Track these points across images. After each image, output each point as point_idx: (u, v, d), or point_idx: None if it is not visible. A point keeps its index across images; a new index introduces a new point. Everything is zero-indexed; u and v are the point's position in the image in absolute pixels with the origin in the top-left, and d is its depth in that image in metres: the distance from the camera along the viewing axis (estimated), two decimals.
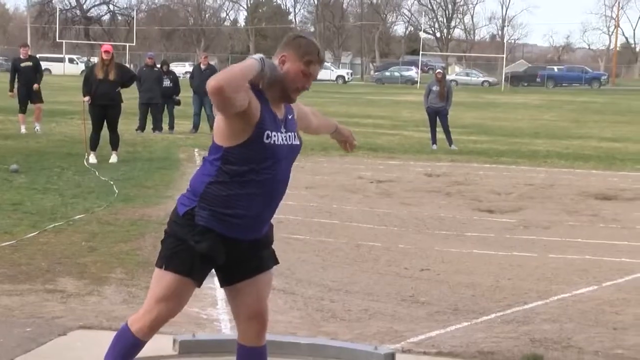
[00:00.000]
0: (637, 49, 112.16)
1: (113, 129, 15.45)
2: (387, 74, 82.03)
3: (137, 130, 21.55)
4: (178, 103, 22.52)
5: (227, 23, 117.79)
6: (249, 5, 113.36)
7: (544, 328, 6.32)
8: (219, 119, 4.11)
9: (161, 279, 4.19)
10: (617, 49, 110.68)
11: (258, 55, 4.04)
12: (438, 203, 12.35)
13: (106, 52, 15.25)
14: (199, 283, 4.24)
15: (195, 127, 22.33)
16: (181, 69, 67.53)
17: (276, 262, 4.38)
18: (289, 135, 4.13)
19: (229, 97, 3.83)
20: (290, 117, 4.20)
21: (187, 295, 4.29)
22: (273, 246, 4.37)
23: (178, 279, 4.15)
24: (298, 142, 4.21)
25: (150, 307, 4.24)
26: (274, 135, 4.02)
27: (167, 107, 22.42)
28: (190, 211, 4.08)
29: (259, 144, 3.98)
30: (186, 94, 23.23)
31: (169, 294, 4.19)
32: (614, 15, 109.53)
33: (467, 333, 6.17)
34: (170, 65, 25.25)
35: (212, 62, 26.75)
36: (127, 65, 56.22)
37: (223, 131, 4.09)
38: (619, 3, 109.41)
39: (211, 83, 3.82)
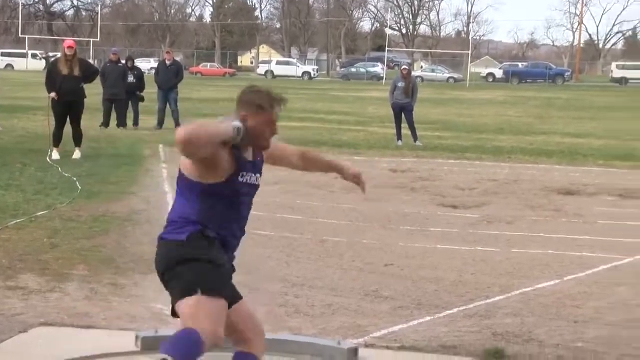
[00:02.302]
0: (601, 46, 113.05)
1: (77, 125, 15.35)
2: (353, 70, 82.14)
3: (101, 126, 21.42)
4: (142, 99, 22.41)
5: (192, 19, 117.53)
6: (214, 1, 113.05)
7: (506, 322, 6.37)
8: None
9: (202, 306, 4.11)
10: (581, 45, 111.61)
11: (237, 124, 4.21)
12: (403, 199, 12.39)
13: (69, 47, 15.14)
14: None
15: (160, 123, 22.23)
16: (146, 65, 67.08)
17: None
18: (256, 177, 4.45)
19: (192, 152, 4.09)
20: (258, 159, 4.49)
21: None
22: None
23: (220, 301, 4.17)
24: (258, 183, 4.49)
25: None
26: (244, 176, 4.34)
27: (131, 103, 22.30)
28: (195, 232, 4.24)
29: (231, 184, 4.29)
30: (151, 90, 23.13)
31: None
32: (578, 12, 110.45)
33: (430, 327, 6.20)
34: (136, 61, 25.11)
35: (177, 58, 26.65)
36: (92, 61, 55.92)
37: (192, 169, 4.29)
38: (582, 0, 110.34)
39: (179, 134, 4.00)
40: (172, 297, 4.29)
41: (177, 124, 21.78)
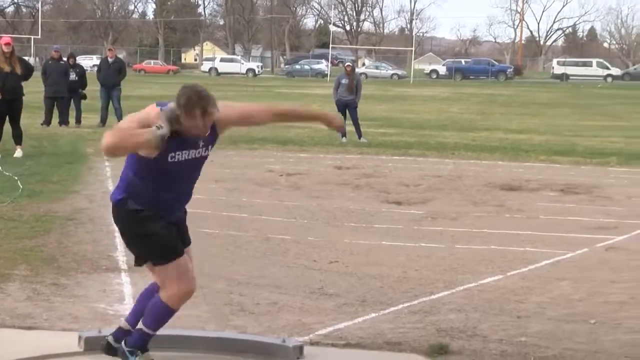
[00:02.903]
0: (542, 42, 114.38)
1: (16, 123, 15.15)
2: (297, 67, 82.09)
3: (42, 124, 21.17)
4: (84, 97, 22.18)
5: (135, 16, 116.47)
6: None
7: (450, 318, 6.41)
8: None
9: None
10: (522, 42, 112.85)
11: (163, 130, 4.55)
12: (347, 195, 12.42)
13: (6, 44, 14.92)
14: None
15: (103, 120, 22.03)
16: (88, 62, 66.44)
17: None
18: (198, 151, 4.84)
19: (114, 156, 4.74)
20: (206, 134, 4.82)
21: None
22: None
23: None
24: (200, 156, 4.88)
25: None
26: (174, 157, 4.75)
27: (73, 101, 22.06)
28: (124, 200, 4.90)
29: (160, 163, 4.72)
30: (93, 88, 22.90)
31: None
32: (519, 9, 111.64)
33: (375, 324, 6.22)
34: (77, 58, 24.84)
35: (120, 55, 26.43)
36: (33, 59, 55.21)
37: None
38: None
39: (103, 141, 4.49)
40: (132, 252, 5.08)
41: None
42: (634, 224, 10.50)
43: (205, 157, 4.93)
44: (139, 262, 5.04)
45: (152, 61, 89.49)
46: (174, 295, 4.91)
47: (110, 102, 22.03)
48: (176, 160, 4.76)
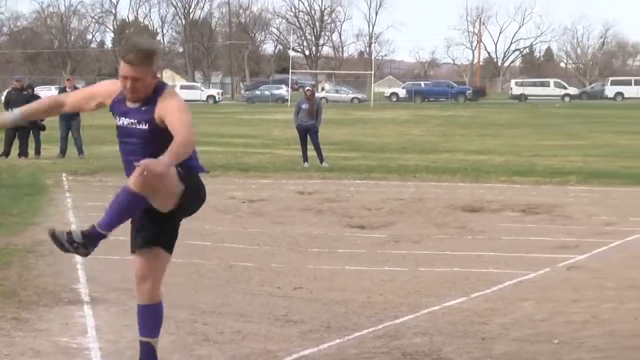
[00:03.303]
0: (500, 63, 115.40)
1: None
2: (258, 92, 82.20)
3: (1, 155, 20.97)
4: (43, 128, 22.01)
5: (93, 45, 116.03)
6: (115, 26, 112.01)
7: (415, 341, 6.41)
8: None
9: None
10: (481, 63, 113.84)
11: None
12: (310, 220, 12.41)
13: None
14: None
15: (63, 151, 21.88)
16: (47, 92, 65.94)
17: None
18: (135, 122, 5.12)
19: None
20: (143, 108, 5.12)
21: None
22: None
23: None
24: (137, 128, 5.12)
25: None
26: (120, 120, 5.20)
27: (32, 132, 21.89)
28: None
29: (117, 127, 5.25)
30: (52, 118, 22.72)
31: None
32: (476, 31, 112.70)
33: (340, 350, 6.21)
34: (36, 89, 24.67)
35: (79, 85, 26.27)
36: None
37: None
38: (480, 19, 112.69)
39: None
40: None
41: (80, 152, 21.49)
42: (595, 243, 10.59)
43: (143, 132, 5.10)
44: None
45: None
46: None
47: (70, 133, 21.89)
48: (119, 124, 5.20)
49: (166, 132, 4.96)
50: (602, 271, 9.02)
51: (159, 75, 5.28)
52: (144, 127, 5.10)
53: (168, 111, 5.03)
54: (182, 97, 5.34)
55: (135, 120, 5.13)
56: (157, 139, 5.03)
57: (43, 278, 8.28)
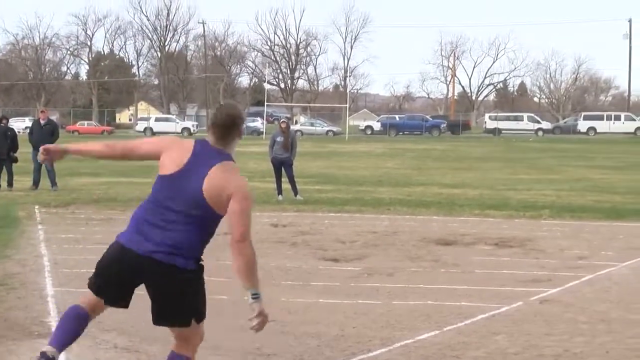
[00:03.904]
0: (474, 97, 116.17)
1: None
2: None
3: None
4: (15, 160, 21.90)
5: (68, 77, 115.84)
6: (90, 58, 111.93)
7: None
8: None
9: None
10: (455, 97, 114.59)
11: None
12: (284, 253, 12.40)
13: None
14: None
15: (36, 183, 21.76)
16: (21, 124, 65.86)
17: None
18: None
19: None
20: None
21: None
22: None
23: None
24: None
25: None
26: None
27: (5, 164, 21.77)
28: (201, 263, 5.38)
29: None
30: (26, 150, 22.64)
31: None
32: (451, 65, 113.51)
33: None
34: (10, 120, 24.57)
35: (52, 117, 26.22)
36: None
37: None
38: (454, 53, 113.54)
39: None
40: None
41: (53, 184, 21.38)
42: (567, 276, 10.64)
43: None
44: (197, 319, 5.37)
45: (85, 122, 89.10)
46: (196, 346, 5.48)
47: (43, 165, 21.78)
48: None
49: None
50: (575, 305, 9.06)
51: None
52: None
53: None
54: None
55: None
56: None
57: (13, 311, 8.21)
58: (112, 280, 5.22)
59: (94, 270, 5.31)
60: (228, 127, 5.21)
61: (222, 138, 5.23)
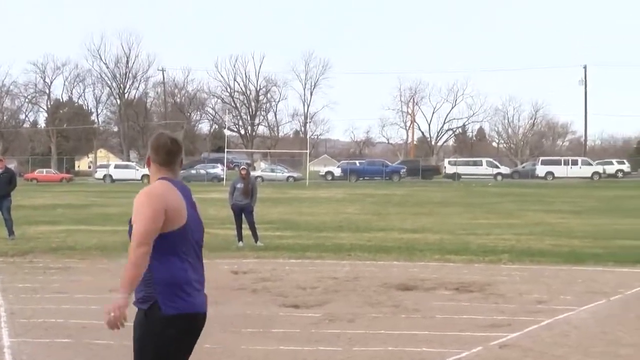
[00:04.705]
0: (433, 143, 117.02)
1: None
2: (193, 171, 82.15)
3: None
4: None
5: (26, 125, 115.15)
6: (49, 106, 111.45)
7: None
8: None
9: None
10: (415, 142, 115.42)
11: None
12: (244, 300, 12.35)
13: None
14: None
15: None
16: None
17: None
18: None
19: None
20: None
21: None
22: None
23: None
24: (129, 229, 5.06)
25: None
26: None
27: None
28: None
29: None
30: None
31: None
32: (410, 111, 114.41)
33: None
34: None
35: (10, 166, 26.02)
36: None
37: None
38: (413, 99, 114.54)
39: None
40: None
41: (11, 233, 21.16)
42: (526, 321, 10.69)
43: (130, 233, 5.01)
44: None
45: (44, 170, 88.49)
46: None
47: (0, 213, 21.58)
48: None
49: None
50: (533, 349, 9.10)
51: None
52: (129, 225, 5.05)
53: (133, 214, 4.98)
54: (151, 191, 5.04)
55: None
56: None
57: None
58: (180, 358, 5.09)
59: None
60: (179, 152, 5.23)
61: (175, 163, 5.21)
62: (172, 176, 5.14)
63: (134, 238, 4.80)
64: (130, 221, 4.96)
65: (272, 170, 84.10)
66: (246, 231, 20.04)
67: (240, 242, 19.85)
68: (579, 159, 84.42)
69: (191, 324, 4.98)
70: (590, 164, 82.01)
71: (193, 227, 5.07)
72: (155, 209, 4.84)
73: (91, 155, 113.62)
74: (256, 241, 19.92)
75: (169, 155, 5.15)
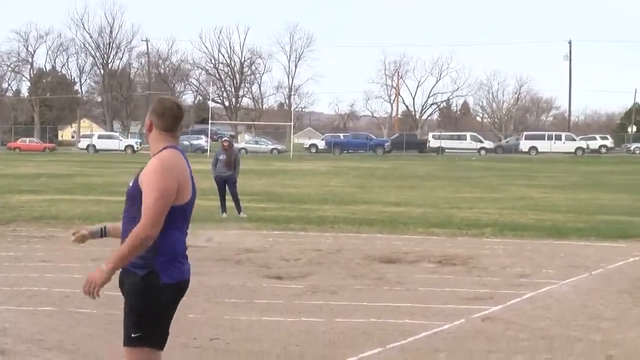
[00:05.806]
0: (417, 116, 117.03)
1: None
2: None
3: None
4: None
5: (9, 93, 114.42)
6: (32, 75, 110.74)
7: None
8: None
9: None
10: (399, 116, 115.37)
11: None
12: (228, 271, 12.36)
13: None
14: None
15: None
16: None
17: None
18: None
19: None
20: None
21: None
22: None
23: None
24: (128, 189, 5.05)
25: None
26: None
27: None
28: None
29: None
30: None
31: None
32: (395, 85, 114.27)
33: None
34: None
35: None
36: None
37: None
38: (398, 73, 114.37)
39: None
40: None
41: None
42: (509, 294, 10.75)
43: (129, 193, 5.02)
44: None
45: (27, 139, 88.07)
46: None
47: None
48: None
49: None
50: (516, 322, 9.16)
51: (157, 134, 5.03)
52: (132, 189, 4.99)
53: (143, 182, 4.90)
54: (164, 162, 4.91)
55: (131, 183, 5.05)
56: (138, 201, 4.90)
57: None
58: (169, 322, 5.12)
59: (146, 328, 5.04)
60: (182, 117, 5.10)
61: (178, 129, 5.10)
62: (175, 143, 5.06)
63: (148, 215, 4.74)
64: (135, 181, 4.93)
65: (256, 143, 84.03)
66: (229, 203, 20.04)
67: (224, 214, 19.85)
68: (563, 134, 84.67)
69: (182, 289, 5.05)
70: (573, 140, 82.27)
71: (194, 199, 5.04)
72: (169, 186, 4.79)
73: (74, 125, 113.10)
74: (239, 212, 19.93)
75: (174, 120, 5.04)
